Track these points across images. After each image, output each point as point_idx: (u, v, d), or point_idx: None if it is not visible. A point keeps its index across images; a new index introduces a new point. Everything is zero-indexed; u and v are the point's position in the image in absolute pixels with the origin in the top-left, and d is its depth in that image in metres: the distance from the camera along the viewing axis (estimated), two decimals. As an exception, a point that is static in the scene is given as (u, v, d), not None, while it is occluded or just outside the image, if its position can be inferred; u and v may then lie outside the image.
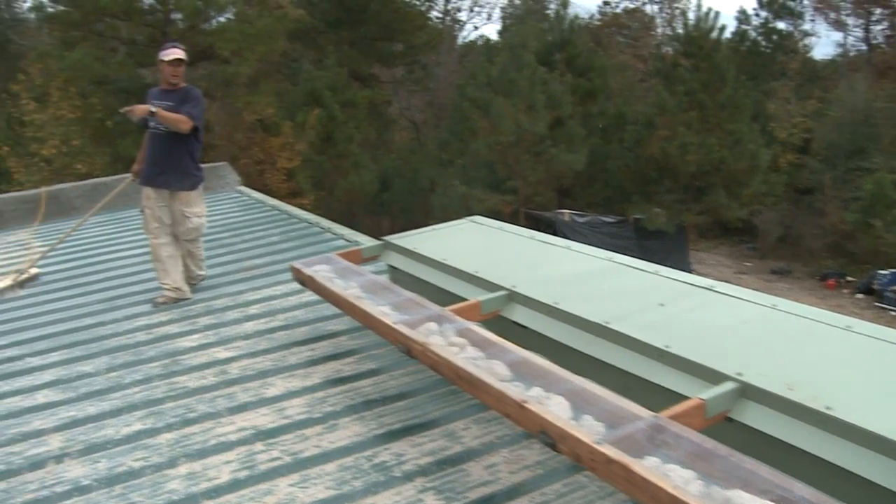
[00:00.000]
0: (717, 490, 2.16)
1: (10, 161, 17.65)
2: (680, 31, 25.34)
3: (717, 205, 21.53)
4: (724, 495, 2.13)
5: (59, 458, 3.35)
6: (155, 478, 3.13)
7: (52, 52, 17.12)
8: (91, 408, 3.83)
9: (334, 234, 7.02)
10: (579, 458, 2.46)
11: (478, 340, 3.22)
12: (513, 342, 3.22)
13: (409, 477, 3.03)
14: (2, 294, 6.24)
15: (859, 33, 44.49)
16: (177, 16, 18.37)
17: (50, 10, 16.83)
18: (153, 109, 5.16)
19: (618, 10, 44.68)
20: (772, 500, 2.07)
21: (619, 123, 23.28)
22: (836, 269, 25.32)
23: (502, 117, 19.45)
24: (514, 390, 2.76)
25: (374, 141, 31.90)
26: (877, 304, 21.34)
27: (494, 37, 45.80)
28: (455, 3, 43.45)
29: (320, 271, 4.27)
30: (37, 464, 3.32)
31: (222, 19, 19.02)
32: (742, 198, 21.72)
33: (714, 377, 2.79)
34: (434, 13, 39.97)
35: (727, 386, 2.72)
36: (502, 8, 46.17)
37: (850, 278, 24.39)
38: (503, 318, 3.72)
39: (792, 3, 39.56)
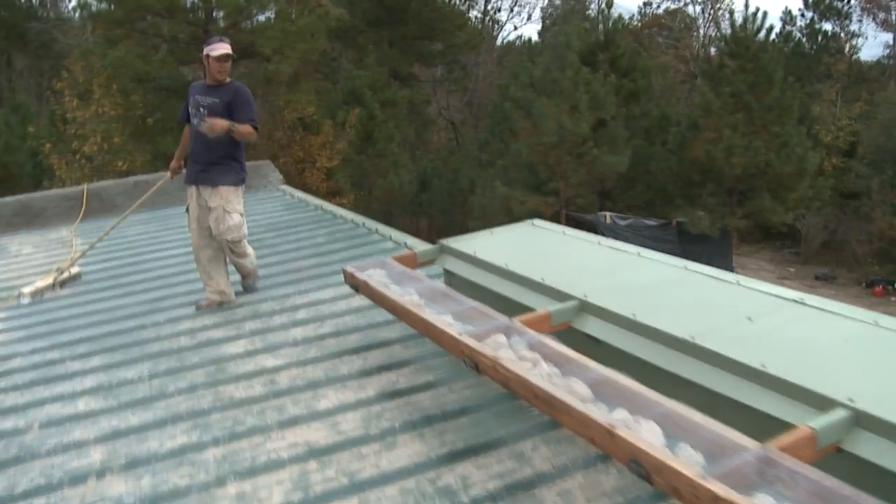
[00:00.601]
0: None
1: (52, 158, 17.68)
2: (725, 31, 24.92)
3: (762, 209, 20.97)
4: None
5: (100, 473, 3.14)
6: (202, 497, 2.91)
7: (95, 50, 17.12)
8: (134, 418, 3.63)
9: (381, 235, 6.79)
10: (678, 493, 2.19)
11: (552, 355, 2.97)
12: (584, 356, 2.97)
13: (477, 503, 2.78)
14: (42, 293, 6.10)
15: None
16: (219, 13, 18.29)
17: (94, 8, 16.80)
18: (232, 126, 4.95)
19: (659, 11, 44.19)
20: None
21: (661, 125, 22.83)
22: (883, 275, 24.66)
23: (545, 118, 19.12)
24: (601, 414, 2.50)
25: (413, 141, 31.78)
26: (928, 312, 20.67)
27: (535, 37, 45.62)
28: (495, 3, 43.05)
29: (374, 276, 4.04)
30: (77, 478, 3.12)
31: (263, 17, 18.97)
32: (788, 202, 21.16)
33: (821, 403, 2.51)
34: (473, 13, 39.76)
35: (838, 413, 2.43)
36: (542, 8, 45.69)
37: (898, 286, 23.77)
38: (574, 329, 3.47)
39: (839, 4, 38.77)
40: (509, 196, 20.49)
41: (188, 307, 5.29)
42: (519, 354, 3.02)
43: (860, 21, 41.60)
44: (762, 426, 2.53)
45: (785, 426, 2.48)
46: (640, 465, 2.29)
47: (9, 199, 9.28)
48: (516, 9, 45.23)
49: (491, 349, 3.03)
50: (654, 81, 27.47)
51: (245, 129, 5.03)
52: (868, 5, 43.07)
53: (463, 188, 26.01)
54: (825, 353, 2.83)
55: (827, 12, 38.37)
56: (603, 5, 22.56)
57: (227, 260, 5.34)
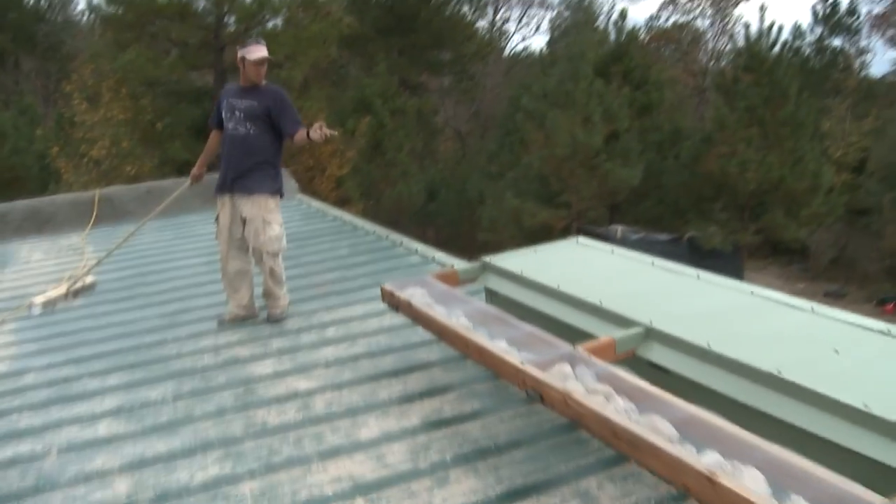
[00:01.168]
0: None
1: (59, 161, 17.47)
2: (737, 44, 24.67)
3: (774, 224, 20.72)
4: None
5: (127, 508, 2.89)
6: (242, 538, 2.66)
7: (105, 53, 16.93)
8: (160, 444, 3.37)
9: (407, 248, 6.55)
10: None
11: (627, 389, 2.71)
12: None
13: (545, 552, 2.52)
14: (55, 303, 5.86)
15: (918, 51, 43.51)
16: (230, 18, 18.11)
17: (104, 11, 16.61)
18: (329, 132, 4.67)
19: (667, 25, 44.01)
20: None
21: (674, 139, 22.60)
22: (894, 293, 24.40)
23: (558, 129, 18.89)
24: (696, 458, 2.25)
25: (421, 151, 31.55)
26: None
27: (543, 48, 45.38)
28: (503, 13, 42.91)
29: (416, 295, 3.80)
30: (103, 513, 2.87)
31: (273, 23, 18.80)
32: (801, 218, 20.89)
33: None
34: (482, 23, 39.58)
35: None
36: (551, 20, 45.52)
37: (910, 305, 23.46)
38: (638, 358, 3.21)
39: (848, 20, 38.64)
40: (520, 208, 20.25)
41: (210, 321, 5.04)
42: (589, 387, 2.77)
43: (868, 38, 41.52)
44: (873, 475, 2.28)
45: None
46: (748, 521, 2.03)
47: (18, 203, 9.05)
48: (524, 19, 44.79)
49: (559, 380, 2.78)
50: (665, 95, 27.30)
51: (318, 136, 4.73)
52: (877, 22, 43.08)
53: (471, 199, 25.78)
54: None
55: (836, 28, 38.18)
56: (616, 16, 22.34)
57: (265, 287, 4.98)
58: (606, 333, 3.30)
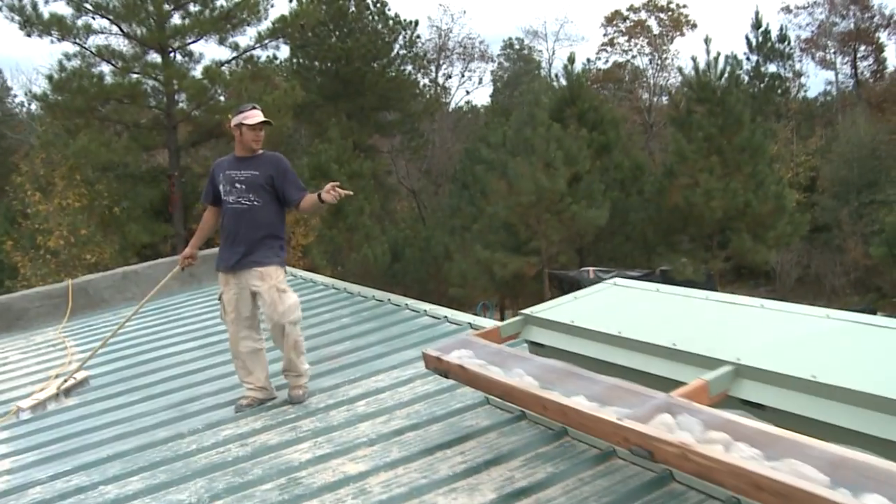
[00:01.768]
0: None
1: (14, 256, 16.88)
2: (678, 78, 25.01)
3: (743, 249, 20.86)
4: None
5: None
6: None
7: (56, 141, 16.50)
8: (209, 554, 3.00)
9: (414, 310, 6.23)
10: None
11: (748, 434, 2.43)
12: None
13: None
14: (44, 405, 5.40)
15: (847, 70, 44.94)
16: (180, 97, 17.84)
17: (52, 99, 16.24)
18: (343, 192, 4.46)
19: (605, 66, 44.78)
20: None
21: (635, 175, 22.75)
22: (864, 305, 24.62)
23: (521, 177, 18.85)
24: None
25: (378, 212, 31.38)
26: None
27: (486, 101, 45.92)
28: (446, 69, 43.33)
29: (465, 357, 3.49)
30: None
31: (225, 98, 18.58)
32: (768, 240, 21.08)
33: None
34: (424, 81, 39.85)
35: None
36: (493, 72, 46.12)
37: (880, 314, 23.67)
38: (730, 398, 2.95)
39: (780, 46, 39.73)
40: (490, 259, 20.09)
41: (224, 409, 4.66)
42: (701, 436, 2.49)
43: (800, 61, 42.77)
44: None
45: None
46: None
47: (-16, 303, 8.56)
48: (466, 74, 45.26)
49: (668, 433, 2.49)
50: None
51: (332, 198, 4.51)
52: (806, 46, 44.42)
53: (437, 255, 25.60)
54: None
55: (770, 54, 39.22)
56: (564, 61, 22.57)
57: (287, 362, 4.60)
58: (686, 376, 3.03)
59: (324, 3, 29.07)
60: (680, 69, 23.14)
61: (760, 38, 38.12)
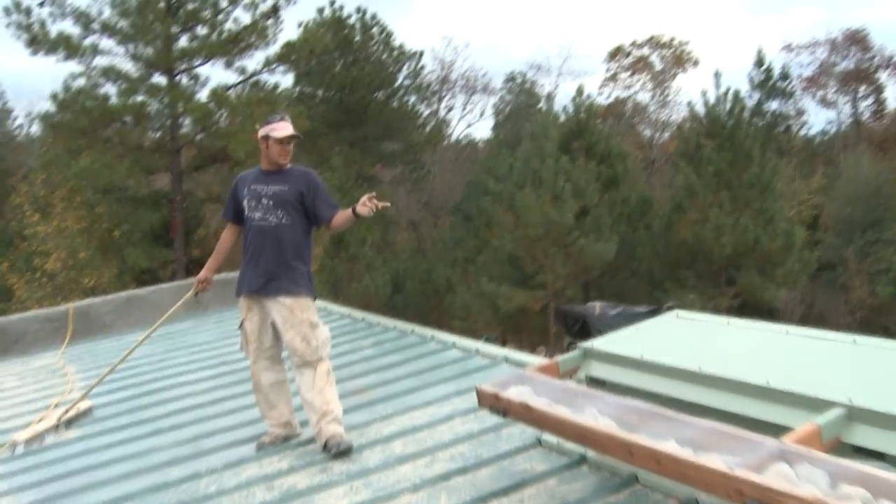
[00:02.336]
0: None
1: (10, 277, 16.48)
2: (681, 114, 24.80)
3: (752, 286, 20.52)
4: None
5: None
6: None
7: (57, 162, 16.15)
8: None
9: (441, 342, 5.85)
10: None
11: (888, 490, 2.07)
12: None
13: None
14: (42, 438, 4.96)
15: (848, 109, 45.11)
16: (184, 120, 17.57)
17: (55, 119, 15.93)
18: (380, 203, 4.13)
19: (608, 101, 44.77)
20: None
21: (643, 210, 22.49)
22: (874, 345, 24.27)
23: (528, 209, 18.56)
24: None
25: (379, 243, 31.05)
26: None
27: (485, 134, 45.82)
28: (448, 101, 43.23)
29: (526, 394, 3.13)
30: None
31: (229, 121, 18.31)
32: (777, 277, 20.75)
33: None
34: (427, 112, 39.73)
35: None
36: (494, 104, 46.05)
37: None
38: (843, 445, 2.59)
39: (781, 84, 39.82)
40: (495, 292, 19.72)
41: (244, 446, 4.26)
42: (837, 491, 2.12)
43: (801, 100, 42.88)
44: None
45: None
46: None
47: (-20, 325, 8.15)
48: (468, 106, 45.14)
49: (793, 487, 2.12)
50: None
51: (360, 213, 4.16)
52: (808, 85, 44.56)
53: (438, 288, 25.24)
54: None
55: (772, 92, 39.31)
56: (574, 93, 22.40)
57: (322, 399, 4.02)
58: (786, 419, 2.68)
59: (330, 31, 28.93)
60: (689, 103, 22.84)
61: (763, 76, 38.19)
